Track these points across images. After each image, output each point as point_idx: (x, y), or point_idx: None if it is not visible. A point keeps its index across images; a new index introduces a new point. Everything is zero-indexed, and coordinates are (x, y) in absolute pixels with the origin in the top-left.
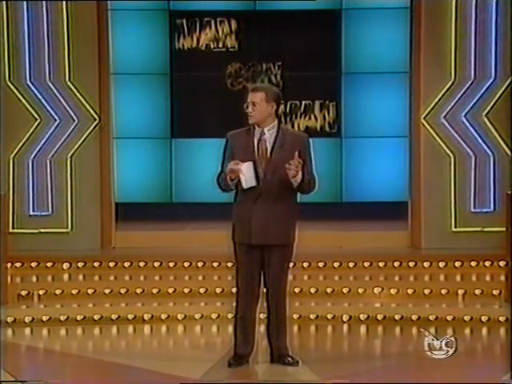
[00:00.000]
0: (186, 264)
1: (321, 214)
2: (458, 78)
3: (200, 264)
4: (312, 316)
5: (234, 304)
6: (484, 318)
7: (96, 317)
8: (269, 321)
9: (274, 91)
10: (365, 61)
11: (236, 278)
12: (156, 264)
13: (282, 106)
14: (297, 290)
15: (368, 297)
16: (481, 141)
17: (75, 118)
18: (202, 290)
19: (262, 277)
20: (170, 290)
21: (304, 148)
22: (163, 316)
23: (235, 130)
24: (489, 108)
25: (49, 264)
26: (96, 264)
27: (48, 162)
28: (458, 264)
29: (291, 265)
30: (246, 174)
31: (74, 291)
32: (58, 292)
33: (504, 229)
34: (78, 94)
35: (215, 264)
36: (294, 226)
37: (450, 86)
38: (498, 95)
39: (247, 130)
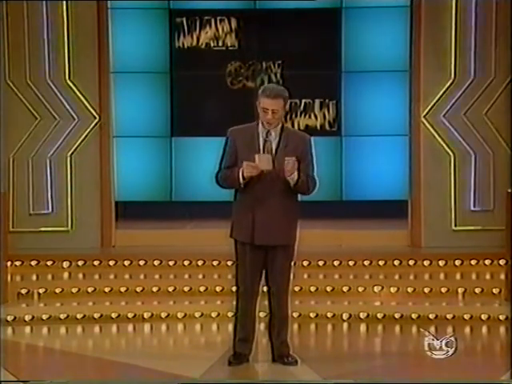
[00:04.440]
0: (186, 262)
1: (321, 213)
2: (457, 76)
3: (200, 262)
4: (312, 314)
5: (234, 302)
6: (484, 317)
7: (96, 315)
8: (270, 320)
9: (287, 95)
10: (365, 59)
11: (236, 277)
12: (156, 262)
13: None
14: (297, 288)
15: (368, 295)
16: (481, 140)
17: (75, 116)
18: (201, 289)
19: (262, 275)
20: (170, 289)
21: (306, 148)
22: (163, 314)
23: (236, 127)
24: (488, 107)
25: (49, 262)
26: (96, 262)
27: (48, 160)
28: (458, 262)
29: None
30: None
31: (74, 290)
32: (57, 290)
33: (504, 227)
34: (77, 93)
35: (215, 262)
36: (296, 225)
37: (450, 85)
38: (497, 94)
39: (250, 126)
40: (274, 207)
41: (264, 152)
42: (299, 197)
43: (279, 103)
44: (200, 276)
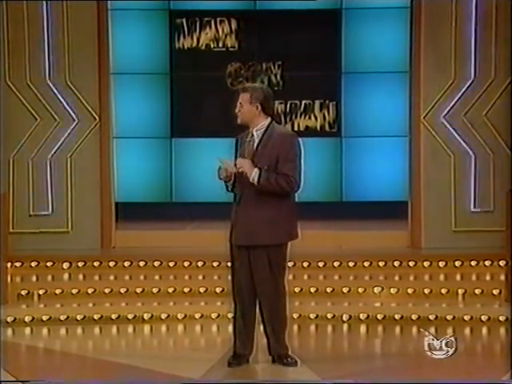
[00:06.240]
0: (186, 263)
1: (321, 214)
2: (457, 77)
3: (200, 263)
4: (312, 315)
5: (232, 304)
6: (484, 318)
7: (96, 316)
8: (263, 321)
9: (261, 91)
10: (365, 60)
11: (232, 278)
12: (156, 263)
13: (280, 106)
14: (297, 289)
15: (368, 296)
16: (481, 141)
17: (75, 117)
18: (202, 290)
19: None
20: (170, 290)
21: (286, 147)
22: (163, 315)
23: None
24: (488, 108)
25: (49, 263)
26: (96, 263)
27: (48, 161)
28: (458, 263)
29: (291, 264)
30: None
31: (74, 291)
32: (57, 291)
33: (504, 228)
34: (78, 94)
35: (215, 263)
36: (286, 225)
37: (450, 86)
38: (497, 95)
39: (248, 131)
40: (253, 207)
41: (245, 153)
42: (296, 197)
43: (243, 96)
44: (200, 277)
